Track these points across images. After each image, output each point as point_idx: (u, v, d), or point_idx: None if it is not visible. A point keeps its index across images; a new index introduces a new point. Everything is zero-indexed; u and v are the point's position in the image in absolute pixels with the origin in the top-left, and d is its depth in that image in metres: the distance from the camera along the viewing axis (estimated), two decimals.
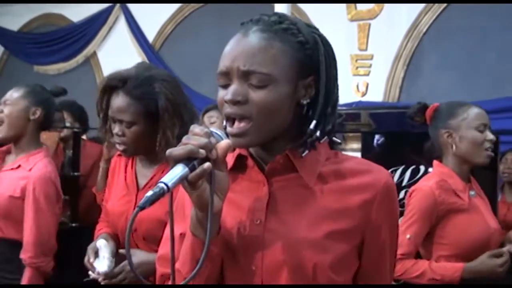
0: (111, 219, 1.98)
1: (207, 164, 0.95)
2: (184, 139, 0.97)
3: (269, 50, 1.03)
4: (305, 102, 1.07)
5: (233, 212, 1.07)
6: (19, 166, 2.30)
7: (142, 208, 0.90)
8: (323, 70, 1.06)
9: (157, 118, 1.82)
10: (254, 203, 1.07)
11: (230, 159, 1.10)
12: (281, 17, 1.07)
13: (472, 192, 2.09)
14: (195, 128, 0.99)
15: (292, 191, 1.07)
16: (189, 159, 0.95)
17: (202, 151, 0.95)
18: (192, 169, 0.95)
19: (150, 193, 0.91)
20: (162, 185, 0.93)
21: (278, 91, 1.03)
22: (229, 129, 1.04)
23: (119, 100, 1.81)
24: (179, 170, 0.95)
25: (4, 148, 2.40)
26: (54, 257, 2.30)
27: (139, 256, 1.81)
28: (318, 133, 1.06)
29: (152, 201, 0.91)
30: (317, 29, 1.10)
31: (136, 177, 1.93)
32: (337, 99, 1.10)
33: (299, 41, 1.05)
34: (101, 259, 1.86)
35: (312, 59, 1.06)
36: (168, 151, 0.96)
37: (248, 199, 1.07)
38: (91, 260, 1.88)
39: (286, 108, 1.05)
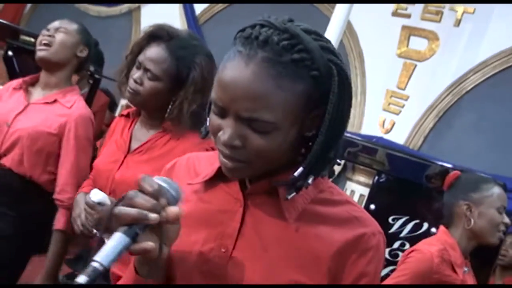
0: (94, 174, 1.96)
1: (150, 245, 0.82)
2: (130, 195, 0.83)
3: (277, 93, 0.86)
4: (310, 134, 0.94)
5: (199, 227, 0.96)
6: (55, 100, 2.23)
7: None
8: (330, 111, 0.90)
9: (181, 87, 1.78)
10: (224, 224, 0.95)
11: (210, 170, 1.00)
12: (293, 37, 0.88)
13: (466, 269, 2.06)
14: (144, 183, 0.84)
15: (268, 220, 0.95)
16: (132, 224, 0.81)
17: (152, 216, 0.81)
18: (134, 237, 0.80)
19: (82, 278, 0.76)
20: (96, 265, 0.76)
21: (282, 136, 0.90)
22: (222, 159, 0.91)
23: (157, 51, 1.78)
24: (118, 242, 0.79)
25: (27, 78, 2.32)
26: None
27: None
28: (310, 180, 0.93)
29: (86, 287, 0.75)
30: (335, 54, 0.93)
31: (130, 140, 1.89)
32: (339, 143, 0.95)
33: (312, 75, 0.89)
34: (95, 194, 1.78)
35: (325, 92, 0.91)
36: (115, 210, 0.82)
37: (219, 215, 0.97)
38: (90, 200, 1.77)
39: (287, 148, 0.92)
